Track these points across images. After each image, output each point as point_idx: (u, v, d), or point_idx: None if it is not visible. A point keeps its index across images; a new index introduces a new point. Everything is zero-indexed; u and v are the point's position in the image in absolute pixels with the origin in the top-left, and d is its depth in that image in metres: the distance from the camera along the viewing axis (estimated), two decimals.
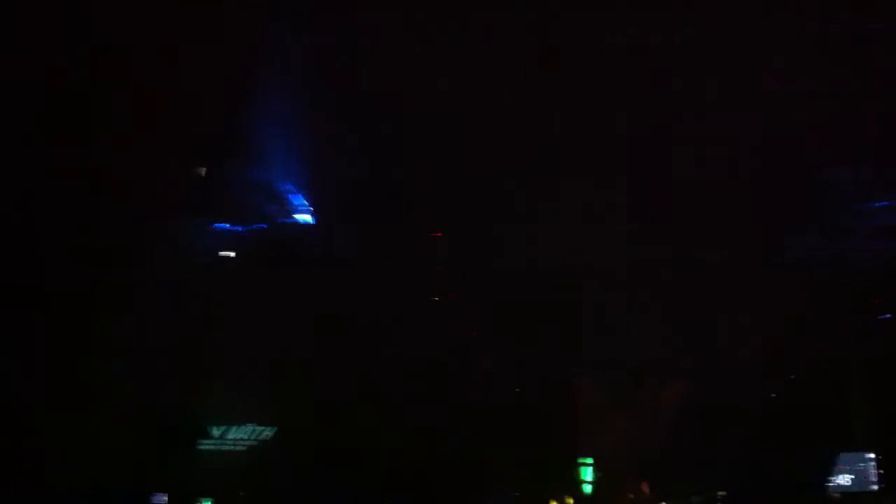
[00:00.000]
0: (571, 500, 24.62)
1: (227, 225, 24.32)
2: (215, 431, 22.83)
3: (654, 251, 23.50)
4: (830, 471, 23.17)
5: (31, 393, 19.73)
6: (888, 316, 23.25)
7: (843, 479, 23.19)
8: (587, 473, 24.97)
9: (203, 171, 23.74)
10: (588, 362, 25.16)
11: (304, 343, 23.10)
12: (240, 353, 22.86)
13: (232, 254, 23.86)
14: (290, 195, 25.05)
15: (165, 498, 20.93)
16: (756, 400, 23.90)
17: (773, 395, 24.03)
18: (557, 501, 24.60)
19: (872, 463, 23.28)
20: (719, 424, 23.39)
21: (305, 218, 25.03)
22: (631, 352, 24.43)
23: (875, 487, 23.00)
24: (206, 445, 22.75)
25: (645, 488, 24.07)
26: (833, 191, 22.88)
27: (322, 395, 22.75)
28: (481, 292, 24.77)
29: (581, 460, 24.96)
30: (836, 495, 22.99)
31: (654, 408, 24.37)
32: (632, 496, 24.12)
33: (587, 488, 25.04)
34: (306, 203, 25.19)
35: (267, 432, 23.10)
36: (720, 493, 23.69)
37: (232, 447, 22.85)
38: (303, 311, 23.46)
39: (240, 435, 22.93)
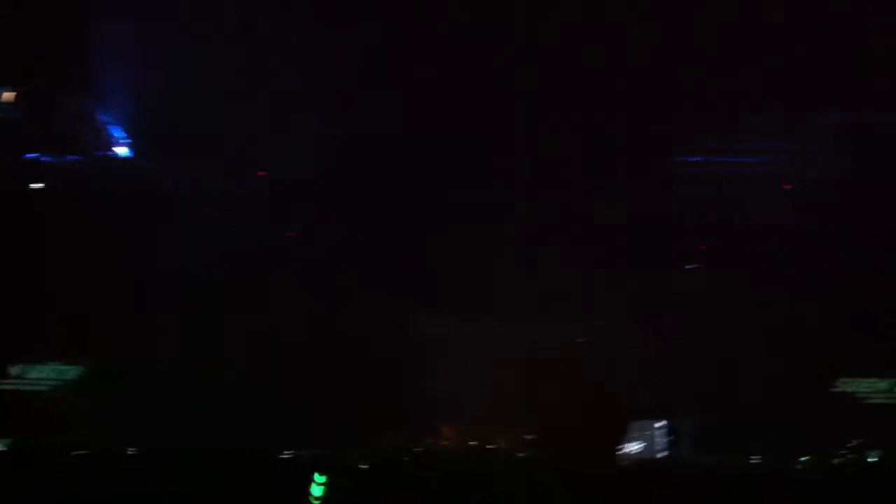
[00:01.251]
0: None
1: (39, 155, 23.42)
2: (15, 370, 21.90)
3: None
4: (622, 439, 23.99)
5: None
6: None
7: (634, 446, 24.18)
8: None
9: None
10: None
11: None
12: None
13: (41, 185, 23.00)
14: (109, 126, 24.27)
15: None
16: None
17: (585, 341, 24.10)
18: None
19: (662, 430, 24.20)
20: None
21: (123, 151, 24.29)
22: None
23: (665, 454, 23.97)
24: (2, 385, 21.74)
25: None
26: None
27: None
28: None
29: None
30: (628, 462, 23.77)
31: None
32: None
33: None
34: (126, 135, 24.44)
35: (71, 371, 22.25)
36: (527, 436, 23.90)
37: (32, 387, 21.84)
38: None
39: (41, 374, 21.97)
